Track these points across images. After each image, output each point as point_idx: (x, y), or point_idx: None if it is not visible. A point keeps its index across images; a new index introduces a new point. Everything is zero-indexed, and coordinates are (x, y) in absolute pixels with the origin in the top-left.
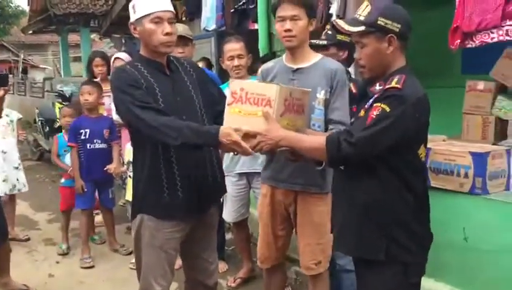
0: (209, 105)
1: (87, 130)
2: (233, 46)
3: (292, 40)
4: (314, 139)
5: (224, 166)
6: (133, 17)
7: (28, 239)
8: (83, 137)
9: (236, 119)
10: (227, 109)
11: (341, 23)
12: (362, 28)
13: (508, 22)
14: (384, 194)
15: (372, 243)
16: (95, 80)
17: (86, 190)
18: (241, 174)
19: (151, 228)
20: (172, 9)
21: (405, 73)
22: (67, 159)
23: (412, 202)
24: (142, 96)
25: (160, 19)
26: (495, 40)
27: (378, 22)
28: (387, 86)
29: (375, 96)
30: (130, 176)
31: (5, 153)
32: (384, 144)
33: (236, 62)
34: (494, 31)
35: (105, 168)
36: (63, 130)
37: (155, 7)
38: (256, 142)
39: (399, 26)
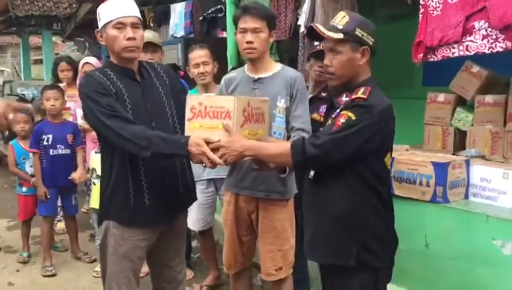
0: (181, 112)
1: (50, 136)
2: (198, 53)
3: (253, 52)
4: (279, 145)
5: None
6: (99, 25)
7: None
8: (45, 143)
9: (198, 134)
10: (187, 124)
11: (321, 28)
12: (341, 35)
13: (468, 38)
14: (354, 201)
15: (344, 249)
16: (59, 84)
17: (49, 196)
18: (209, 181)
19: (116, 236)
20: (136, 14)
21: (371, 85)
22: (27, 166)
23: (380, 208)
24: (110, 104)
25: (123, 24)
26: (456, 54)
27: (356, 32)
28: (353, 96)
29: (342, 106)
30: (94, 183)
31: None
32: (348, 150)
33: (201, 69)
34: (455, 46)
35: (69, 177)
36: (17, 137)
37: (117, 13)
38: (220, 154)
39: (372, 40)
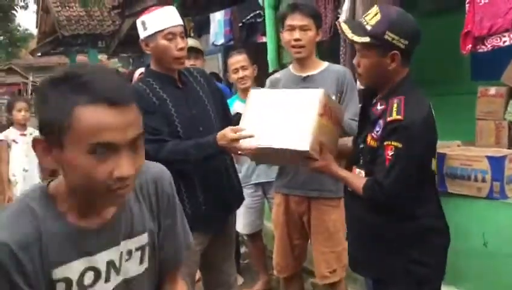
0: (221, 112)
1: None
2: (236, 59)
3: (301, 51)
4: (356, 181)
5: (240, 177)
6: (143, 34)
7: None
8: None
9: (323, 132)
10: (318, 119)
11: (345, 28)
12: (367, 39)
13: None
14: (396, 213)
15: (387, 263)
16: None
17: None
18: (257, 185)
19: None
20: (182, 23)
21: (404, 92)
22: None
23: (426, 215)
24: (151, 124)
25: (173, 34)
26: (507, 43)
27: (385, 37)
28: (388, 119)
29: (380, 121)
30: None
31: (26, 171)
32: (411, 177)
33: (240, 74)
34: (506, 34)
35: None
36: None
37: (167, 23)
38: (314, 162)
39: (406, 42)
